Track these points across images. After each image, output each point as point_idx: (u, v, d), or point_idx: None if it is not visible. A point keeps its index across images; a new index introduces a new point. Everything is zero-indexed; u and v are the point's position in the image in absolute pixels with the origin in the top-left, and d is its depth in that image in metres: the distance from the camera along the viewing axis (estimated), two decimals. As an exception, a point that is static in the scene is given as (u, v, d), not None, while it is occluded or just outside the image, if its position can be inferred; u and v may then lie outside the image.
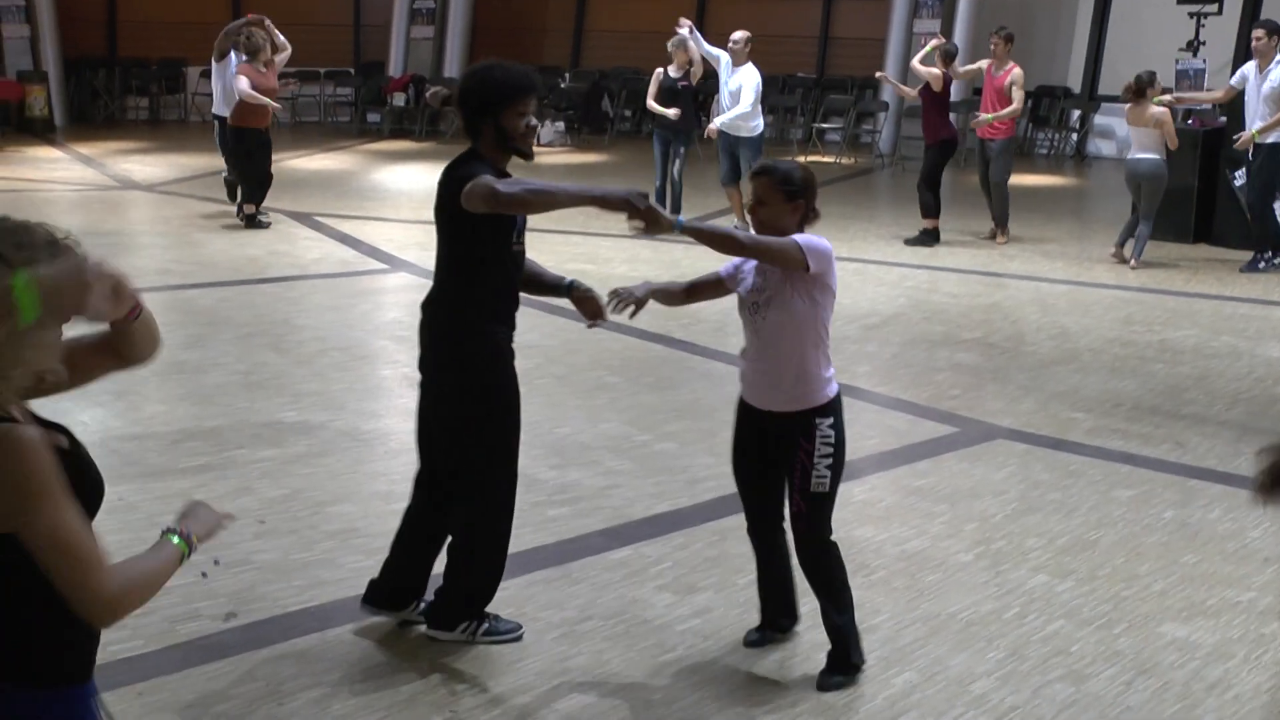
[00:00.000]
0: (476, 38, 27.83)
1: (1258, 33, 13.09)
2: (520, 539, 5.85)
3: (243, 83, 13.42)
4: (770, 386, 4.62)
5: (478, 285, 4.86)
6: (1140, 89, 12.84)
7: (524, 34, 28.83)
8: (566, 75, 27.13)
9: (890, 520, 6.27)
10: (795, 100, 25.03)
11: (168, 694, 4.46)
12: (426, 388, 5.02)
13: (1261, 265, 13.10)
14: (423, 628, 4.95)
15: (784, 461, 4.62)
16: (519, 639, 4.93)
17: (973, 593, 5.47)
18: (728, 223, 14.20)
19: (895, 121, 23.04)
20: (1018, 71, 13.96)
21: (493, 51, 25.19)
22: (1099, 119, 23.99)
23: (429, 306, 5.06)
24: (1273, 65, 12.83)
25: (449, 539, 4.94)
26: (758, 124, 14.20)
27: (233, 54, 14.08)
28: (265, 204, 14.35)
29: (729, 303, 4.91)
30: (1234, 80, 13.32)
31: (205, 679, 4.57)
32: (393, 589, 4.98)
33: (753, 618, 5.04)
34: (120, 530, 5.81)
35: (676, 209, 14.49)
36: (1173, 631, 5.15)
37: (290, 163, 19.60)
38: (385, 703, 4.46)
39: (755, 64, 14.20)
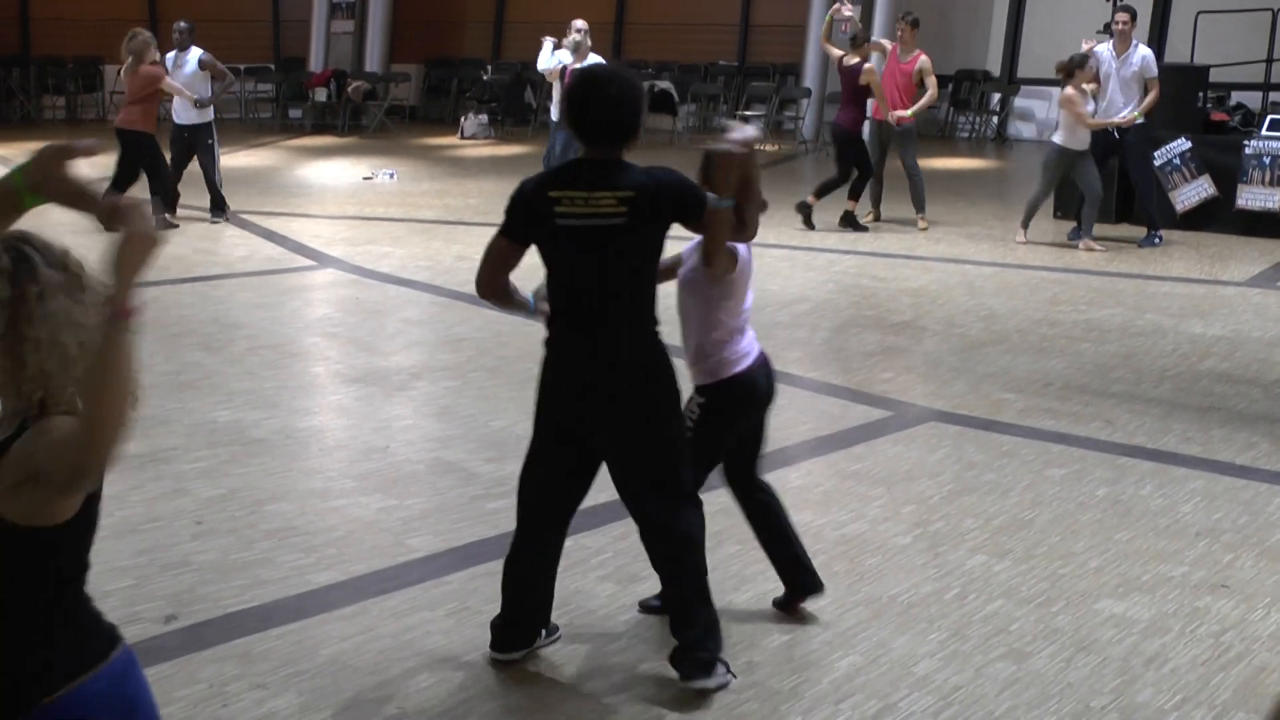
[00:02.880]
0: (397, 31, 27.67)
1: (1122, 16, 13.34)
2: (460, 533, 5.86)
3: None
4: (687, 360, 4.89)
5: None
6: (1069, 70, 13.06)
7: (445, 27, 28.73)
8: (488, 67, 27.05)
9: (828, 505, 6.31)
10: (718, 88, 25.11)
11: (109, 699, 4.40)
12: (611, 416, 4.66)
13: (1157, 241, 13.56)
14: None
15: None
16: None
17: (913, 574, 5.51)
18: None
19: (818, 107, 23.16)
20: (925, 59, 14.07)
21: (414, 45, 25.22)
22: (1018, 102, 24.25)
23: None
24: (1132, 49, 13.29)
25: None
26: None
27: (193, 48, 13.97)
28: (184, 201, 14.22)
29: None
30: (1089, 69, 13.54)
31: (147, 683, 4.52)
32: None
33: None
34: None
35: None
36: (1109, 608, 5.22)
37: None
38: (330, 701, 4.43)
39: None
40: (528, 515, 4.71)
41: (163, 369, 8.42)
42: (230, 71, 14.41)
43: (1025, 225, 13.57)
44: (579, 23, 14.48)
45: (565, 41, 14.49)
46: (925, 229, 14.24)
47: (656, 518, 4.64)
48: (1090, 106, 13.16)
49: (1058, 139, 13.22)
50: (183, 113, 13.98)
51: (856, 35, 14.41)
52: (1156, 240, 13.61)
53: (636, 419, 4.53)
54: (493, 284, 4.59)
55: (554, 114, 14.43)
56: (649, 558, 4.72)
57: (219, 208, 14.18)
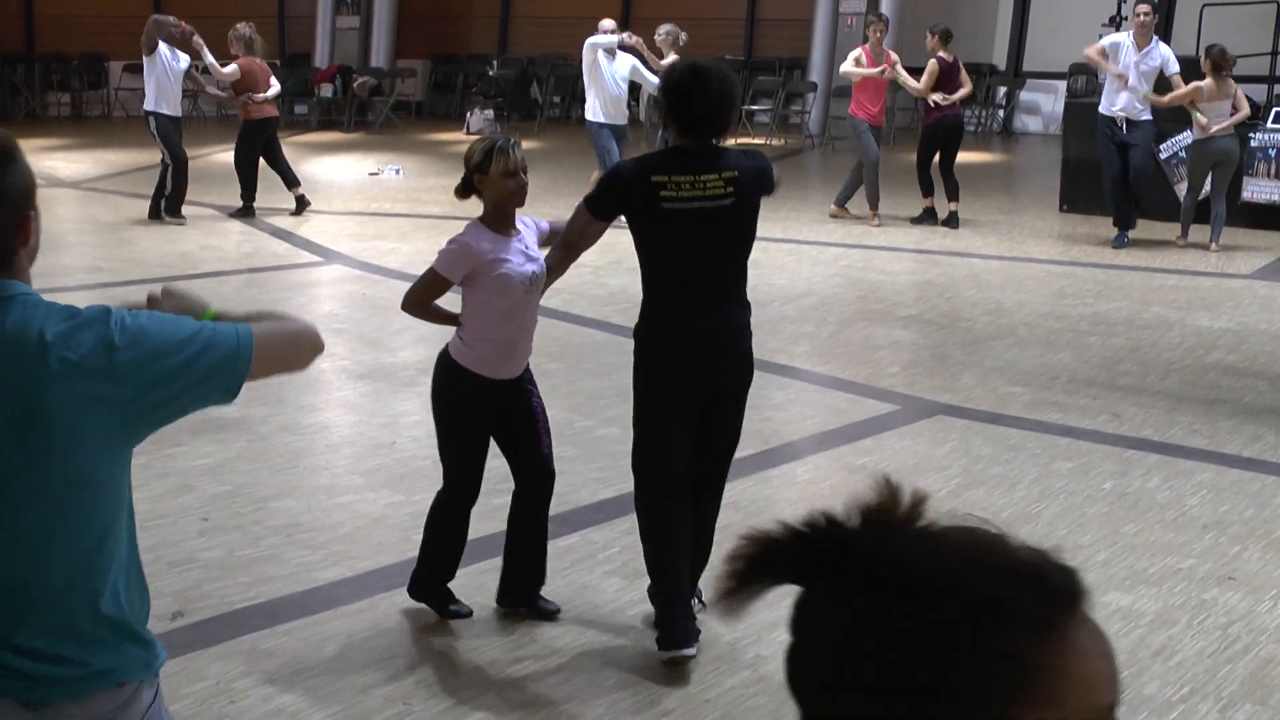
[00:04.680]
0: (402, 27, 27.67)
1: (1143, 8, 13.08)
2: (469, 528, 5.85)
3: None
4: (528, 352, 4.97)
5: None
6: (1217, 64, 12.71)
7: (450, 22, 28.72)
8: (494, 63, 27.04)
9: (835, 499, 6.24)
10: (724, 83, 25.06)
11: (116, 696, 4.41)
12: (732, 379, 4.82)
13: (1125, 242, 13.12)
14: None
15: (523, 415, 4.98)
16: None
17: (919, 568, 5.50)
18: None
19: (824, 102, 23.13)
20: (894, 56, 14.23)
21: (419, 40, 24.90)
22: (1024, 95, 24.22)
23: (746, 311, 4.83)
24: (1153, 43, 12.96)
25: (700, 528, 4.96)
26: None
27: (163, 46, 13.84)
28: (190, 197, 14.23)
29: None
30: (1104, 45, 13.31)
31: (154, 679, 4.52)
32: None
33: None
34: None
35: None
36: (1117, 600, 5.21)
37: (219, 156, 19.40)
38: (338, 697, 4.43)
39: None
40: (662, 489, 4.82)
41: (169, 366, 8.42)
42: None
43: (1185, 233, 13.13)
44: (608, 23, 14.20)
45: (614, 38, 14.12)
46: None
47: (713, 500, 4.97)
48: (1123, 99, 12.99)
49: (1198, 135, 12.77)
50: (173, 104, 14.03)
51: (946, 31, 14.38)
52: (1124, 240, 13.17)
53: (733, 399, 4.82)
54: (574, 252, 4.92)
55: (602, 114, 13.86)
56: (696, 530, 4.87)
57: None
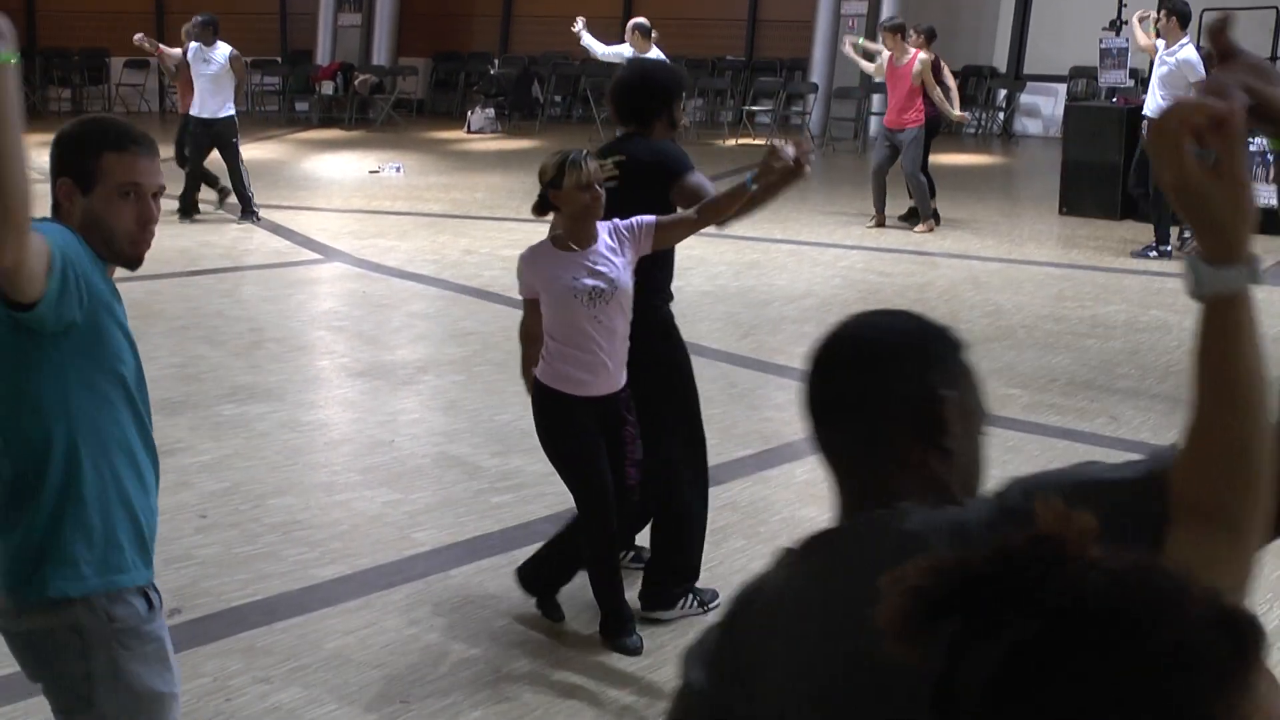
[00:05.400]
0: (404, 24, 27.67)
1: (1156, 15, 12.90)
2: (465, 527, 5.87)
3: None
4: (615, 369, 4.73)
5: (663, 266, 5.04)
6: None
7: (452, 20, 28.71)
8: (495, 61, 27.03)
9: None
10: (725, 83, 25.09)
11: (113, 692, 4.41)
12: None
13: (1152, 255, 12.60)
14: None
15: (611, 443, 4.77)
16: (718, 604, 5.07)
17: (916, 570, 5.50)
18: None
19: (825, 103, 23.13)
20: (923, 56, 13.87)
21: (421, 38, 24.83)
22: (1025, 98, 24.21)
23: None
24: (1175, 47, 12.60)
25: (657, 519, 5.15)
26: None
27: (192, 48, 13.82)
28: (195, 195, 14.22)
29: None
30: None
31: (151, 676, 4.52)
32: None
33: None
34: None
35: None
36: (1113, 603, 5.21)
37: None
38: (335, 694, 4.44)
39: (667, 48, 13.90)
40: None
41: (168, 361, 8.43)
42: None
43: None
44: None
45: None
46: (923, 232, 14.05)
47: (657, 494, 5.05)
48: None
49: None
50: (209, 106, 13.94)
51: (931, 30, 14.37)
52: (1152, 253, 12.61)
53: (638, 397, 4.84)
54: None
55: None
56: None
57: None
